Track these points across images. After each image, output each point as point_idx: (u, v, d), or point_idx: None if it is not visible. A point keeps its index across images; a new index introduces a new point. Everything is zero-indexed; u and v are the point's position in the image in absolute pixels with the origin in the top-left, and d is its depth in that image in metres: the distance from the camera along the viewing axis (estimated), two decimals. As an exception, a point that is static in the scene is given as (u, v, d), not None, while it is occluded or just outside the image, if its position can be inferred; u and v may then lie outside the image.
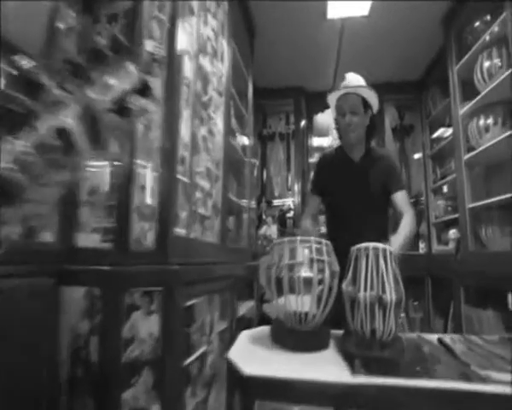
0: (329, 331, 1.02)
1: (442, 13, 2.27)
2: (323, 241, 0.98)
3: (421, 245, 3.22)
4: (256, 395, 0.76)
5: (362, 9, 2.11)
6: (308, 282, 0.93)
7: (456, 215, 2.53)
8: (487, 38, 1.91)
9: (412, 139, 3.40)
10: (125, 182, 1.01)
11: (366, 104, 1.38)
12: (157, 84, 1.08)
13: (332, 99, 1.43)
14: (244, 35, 2.28)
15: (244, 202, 2.30)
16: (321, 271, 0.94)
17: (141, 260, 0.99)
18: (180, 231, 1.19)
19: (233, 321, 1.70)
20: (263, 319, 2.37)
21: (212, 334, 1.40)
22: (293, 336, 0.95)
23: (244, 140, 2.38)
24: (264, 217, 3.34)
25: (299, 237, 0.96)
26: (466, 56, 2.09)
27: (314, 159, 3.59)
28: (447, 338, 0.96)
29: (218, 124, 1.61)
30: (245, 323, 2.12)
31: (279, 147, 3.53)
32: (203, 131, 1.41)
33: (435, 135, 3.05)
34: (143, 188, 1.03)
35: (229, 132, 1.81)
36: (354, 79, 1.42)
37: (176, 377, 1.00)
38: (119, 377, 0.93)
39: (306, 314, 0.94)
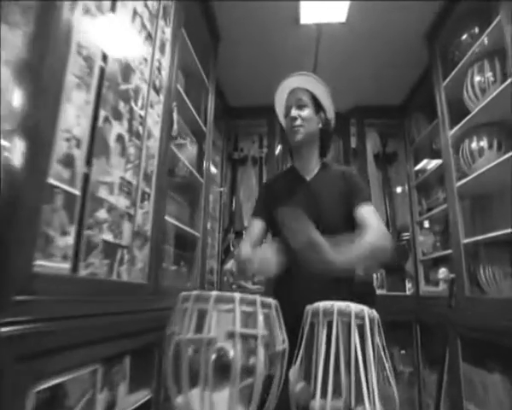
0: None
1: (425, 28, 2.07)
2: (258, 299, 0.57)
3: (408, 285, 2.86)
4: None
5: (339, 15, 1.86)
6: (225, 370, 0.52)
7: (446, 252, 2.23)
8: (477, 50, 1.69)
9: (395, 168, 3.15)
10: None
11: (317, 103, 1.17)
12: (16, 37, 0.71)
13: (279, 104, 1.25)
14: (204, 35, 1.99)
15: (198, 232, 1.90)
16: (251, 352, 0.53)
17: None
18: (55, 265, 0.77)
19: (159, 389, 1.23)
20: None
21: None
22: None
23: (202, 160, 2.01)
24: (232, 249, 2.92)
25: (213, 293, 0.56)
26: (453, 72, 1.86)
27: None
28: None
29: (149, 126, 1.24)
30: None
31: (251, 172, 3.19)
32: (120, 128, 1.04)
33: (419, 166, 2.82)
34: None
35: (171, 141, 1.44)
36: (303, 74, 1.21)
37: None
38: None
39: (222, 426, 0.52)
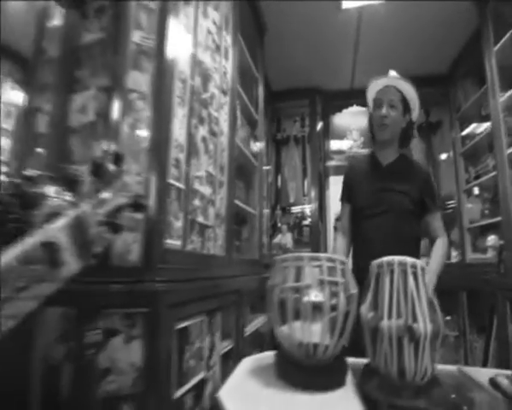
0: (346, 366, 0.84)
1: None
2: (337, 258, 0.80)
3: (454, 253, 2.92)
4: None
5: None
6: (318, 308, 0.76)
7: (495, 219, 2.25)
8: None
9: (440, 137, 3.13)
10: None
11: (406, 105, 1.27)
12: (143, 79, 0.97)
13: (371, 92, 1.33)
14: (253, 32, 2.15)
15: (255, 210, 2.15)
16: (334, 294, 0.76)
17: (123, 278, 0.86)
18: (173, 243, 1.05)
19: (239, 341, 1.54)
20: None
21: (213, 358, 1.24)
22: (300, 371, 0.77)
23: (255, 144, 2.23)
24: (278, 225, 3.17)
25: (306, 254, 0.79)
26: (507, 35, 1.83)
27: (333, 162, 3.39)
28: (504, 380, 0.74)
29: (221, 124, 1.47)
30: (257, 338, 1.95)
31: (294, 151, 3.36)
32: (203, 131, 1.29)
33: (467, 131, 2.77)
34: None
35: (236, 134, 1.67)
36: (397, 76, 1.31)
37: (163, 415, 0.86)
38: (95, 414, 0.79)
39: (316, 346, 0.76)
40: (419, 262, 0.74)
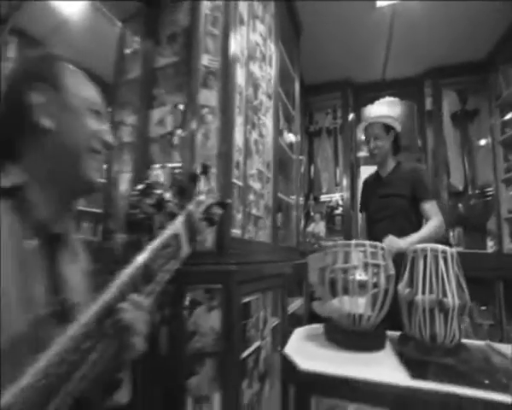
0: (385, 333, 1.01)
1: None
2: (379, 245, 0.97)
3: (490, 243, 2.92)
4: (312, 390, 0.79)
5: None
6: (362, 285, 0.93)
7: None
8: None
9: (477, 125, 3.09)
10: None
11: (388, 128, 1.60)
12: (213, 96, 1.16)
13: (361, 129, 1.70)
14: (291, 34, 2.28)
15: (292, 200, 2.33)
16: (376, 274, 0.94)
17: (202, 260, 1.09)
18: (236, 232, 1.26)
19: (284, 317, 1.75)
20: (312, 317, 2.38)
21: (266, 330, 1.46)
22: (348, 336, 0.96)
23: (291, 138, 2.39)
24: (311, 214, 3.32)
25: (353, 241, 0.97)
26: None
27: (364, 153, 3.45)
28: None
29: (267, 126, 1.65)
30: (295, 319, 2.16)
31: (326, 142, 3.47)
32: (254, 134, 1.47)
33: (509, 116, 2.71)
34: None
35: (278, 133, 1.85)
36: (377, 110, 1.70)
37: (234, 369, 1.08)
38: (184, 366, 1.03)
39: (361, 316, 0.94)
40: (449, 249, 0.89)
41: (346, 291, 0.95)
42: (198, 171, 0.77)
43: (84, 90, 0.61)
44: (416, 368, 0.78)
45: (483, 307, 2.79)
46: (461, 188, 2.99)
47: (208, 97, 1.16)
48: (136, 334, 0.50)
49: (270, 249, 1.66)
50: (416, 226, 1.49)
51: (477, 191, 3.00)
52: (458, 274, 0.87)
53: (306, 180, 3.45)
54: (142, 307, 0.51)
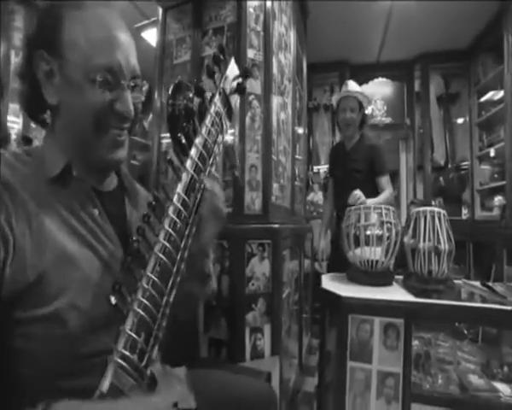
0: (393, 274, 1.36)
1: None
2: (391, 208, 1.28)
3: (464, 211, 3.34)
4: (349, 310, 1.12)
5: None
6: (379, 238, 1.25)
7: (503, 182, 2.66)
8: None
9: (458, 107, 3.44)
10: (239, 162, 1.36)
11: (361, 105, 1.83)
12: (256, 85, 1.39)
13: (336, 98, 1.91)
14: (300, 17, 2.45)
15: (300, 171, 2.61)
16: (388, 230, 1.26)
17: (252, 221, 1.37)
18: (273, 199, 1.54)
19: (301, 271, 2.09)
20: (316, 276, 2.75)
21: (292, 280, 1.79)
22: (367, 275, 1.29)
23: (300, 113, 2.63)
24: (311, 184, 3.63)
25: (372, 205, 1.28)
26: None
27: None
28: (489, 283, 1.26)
29: (288, 106, 1.89)
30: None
31: (324, 118, 3.72)
32: (283, 115, 1.71)
33: (484, 98, 3.06)
34: (252, 166, 1.38)
35: (295, 113, 2.09)
36: (355, 86, 1.88)
37: (279, 306, 1.40)
38: (243, 304, 1.34)
39: (377, 261, 1.27)
40: (442, 211, 1.22)
41: (366, 243, 1.27)
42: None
43: (96, 54, 0.49)
44: (418, 292, 1.13)
45: (456, 266, 3.26)
46: (442, 163, 3.38)
47: (254, 86, 1.38)
48: (217, 199, 0.55)
49: (289, 214, 1.96)
50: (371, 195, 1.75)
51: (455, 166, 3.41)
52: (447, 228, 1.21)
53: (306, 152, 3.72)
54: (215, 176, 0.56)
